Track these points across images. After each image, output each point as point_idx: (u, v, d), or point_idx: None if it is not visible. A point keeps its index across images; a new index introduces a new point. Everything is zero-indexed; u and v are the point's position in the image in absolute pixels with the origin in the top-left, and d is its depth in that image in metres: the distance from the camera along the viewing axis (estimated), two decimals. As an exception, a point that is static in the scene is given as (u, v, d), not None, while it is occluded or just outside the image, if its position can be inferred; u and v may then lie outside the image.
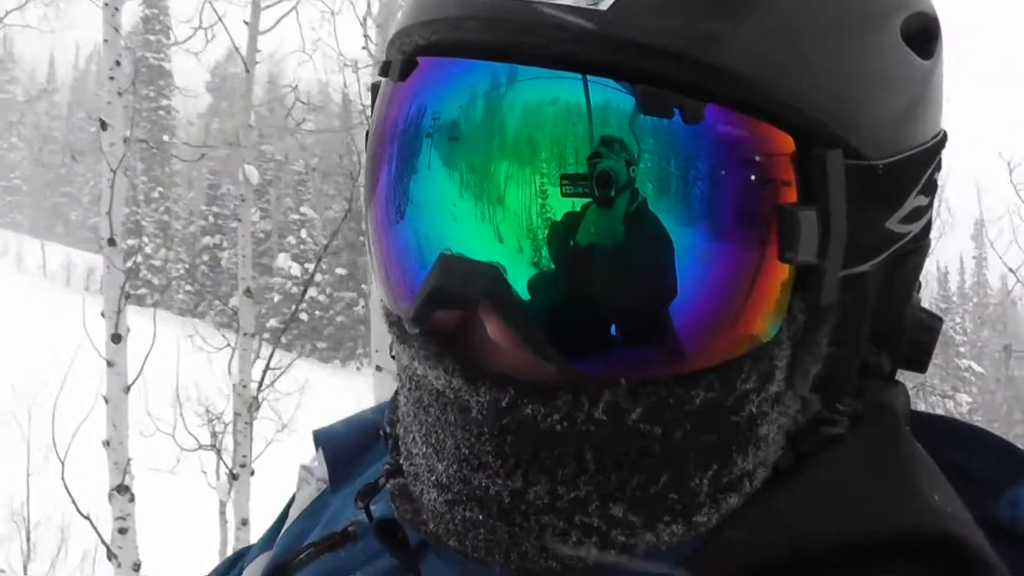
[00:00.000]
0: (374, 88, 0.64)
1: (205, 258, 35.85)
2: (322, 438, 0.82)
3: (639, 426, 0.53)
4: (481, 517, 0.55)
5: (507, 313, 0.53)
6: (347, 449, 0.79)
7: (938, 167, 0.63)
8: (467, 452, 0.55)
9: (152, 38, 32.07)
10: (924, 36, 0.62)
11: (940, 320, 0.65)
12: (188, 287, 34.77)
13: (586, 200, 0.52)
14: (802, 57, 0.54)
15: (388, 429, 0.67)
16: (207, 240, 35.80)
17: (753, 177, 0.52)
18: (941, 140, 0.64)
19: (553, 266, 0.53)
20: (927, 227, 0.63)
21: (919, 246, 0.63)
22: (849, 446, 0.60)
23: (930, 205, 0.63)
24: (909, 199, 0.59)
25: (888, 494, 0.56)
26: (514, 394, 0.53)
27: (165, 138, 30.82)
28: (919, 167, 0.60)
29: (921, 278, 0.67)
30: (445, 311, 0.56)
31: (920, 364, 0.66)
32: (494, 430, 0.54)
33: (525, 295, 0.53)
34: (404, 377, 0.62)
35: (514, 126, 0.53)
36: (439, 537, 0.57)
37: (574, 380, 0.53)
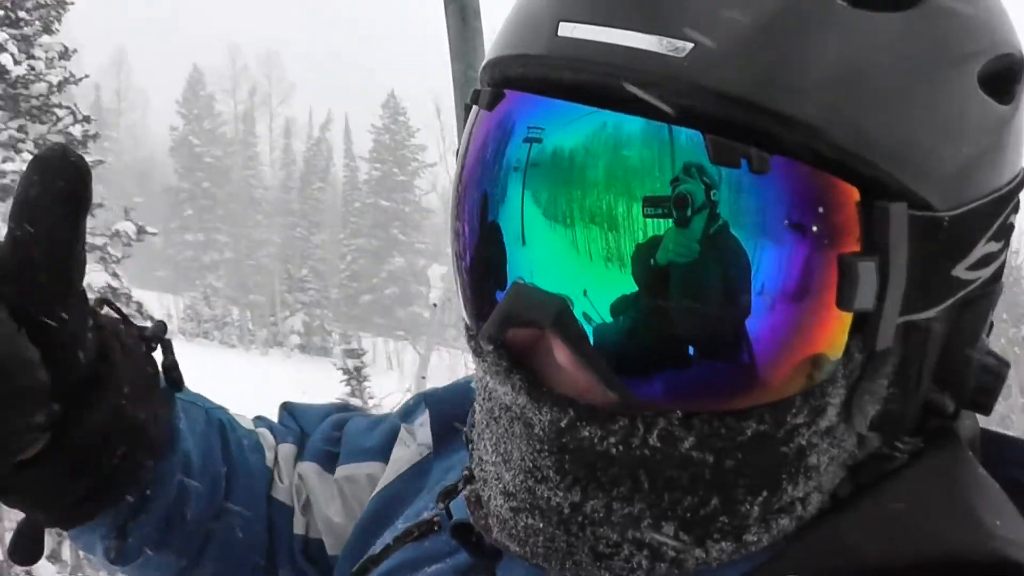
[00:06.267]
0: (466, 109, 0.66)
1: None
2: (430, 403, 0.86)
3: (691, 453, 0.55)
4: (541, 525, 0.59)
5: (573, 343, 0.56)
6: (451, 417, 0.83)
7: (1015, 209, 0.62)
8: (531, 465, 0.59)
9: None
10: (1005, 79, 0.60)
11: (1007, 365, 0.64)
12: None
13: (654, 236, 0.54)
14: (873, 107, 0.54)
15: (468, 433, 0.70)
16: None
17: (815, 228, 0.53)
18: (1019, 183, 0.63)
19: (617, 302, 0.55)
20: (998, 272, 0.62)
21: (989, 290, 0.62)
22: (908, 475, 0.61)
23: (1003, 249, 0.62)
24: (978, 247, 0.59)
25: (945, 519, 0.56)
26: (573, 415, 0.56)
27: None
28: (990, 216, 0.59)
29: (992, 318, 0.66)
30: (517, 330, 0.60)
31: (985, 407, 0.64)
32: (554, 447, 0.57)
33: (590, 327, 0.56)
34: (479, 387, 0.65)
35: (591, 165, 0.55)
36: (503, 542, 0.61)
37: (631, 406, 0.56)
